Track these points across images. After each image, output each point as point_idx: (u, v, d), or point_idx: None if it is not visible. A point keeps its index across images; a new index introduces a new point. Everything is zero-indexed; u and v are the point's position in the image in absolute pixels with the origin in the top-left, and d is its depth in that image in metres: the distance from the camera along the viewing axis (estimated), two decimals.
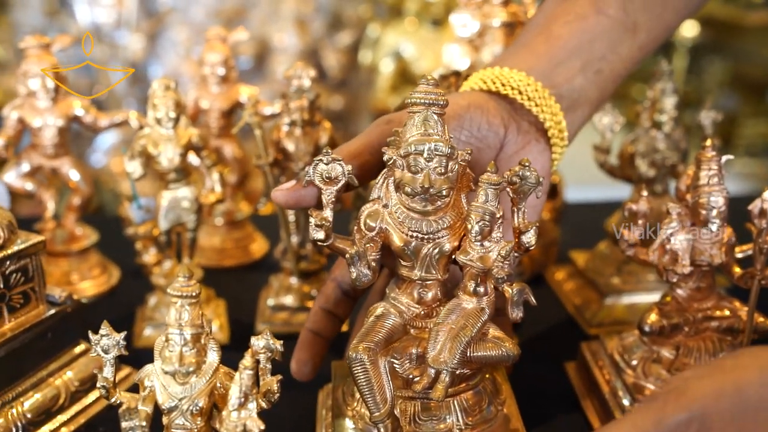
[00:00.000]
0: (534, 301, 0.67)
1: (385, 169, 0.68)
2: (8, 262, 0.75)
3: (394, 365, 0.67)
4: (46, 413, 0.79)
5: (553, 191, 1.18)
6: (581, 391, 0.87)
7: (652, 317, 0.79)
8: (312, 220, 0.65)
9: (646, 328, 0.79)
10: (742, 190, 2.40)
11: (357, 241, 0.67)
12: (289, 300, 1.01)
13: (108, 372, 0.63)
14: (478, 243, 0.64)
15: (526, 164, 0.65)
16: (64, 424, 0.80)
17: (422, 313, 0.68)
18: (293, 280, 1.02)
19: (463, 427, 0.67)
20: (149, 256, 1.01)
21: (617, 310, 1.02)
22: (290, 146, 0.95)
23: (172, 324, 0.61)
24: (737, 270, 0.78)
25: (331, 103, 2.85)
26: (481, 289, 0.66)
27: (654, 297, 0.87)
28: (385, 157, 0.66)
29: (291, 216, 0.99)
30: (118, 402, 0.63)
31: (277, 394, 0.63)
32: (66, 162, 1.07)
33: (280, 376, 0.63)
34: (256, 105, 0.96)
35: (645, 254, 0.79)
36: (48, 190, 1.09)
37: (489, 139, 0.75)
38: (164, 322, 0.63)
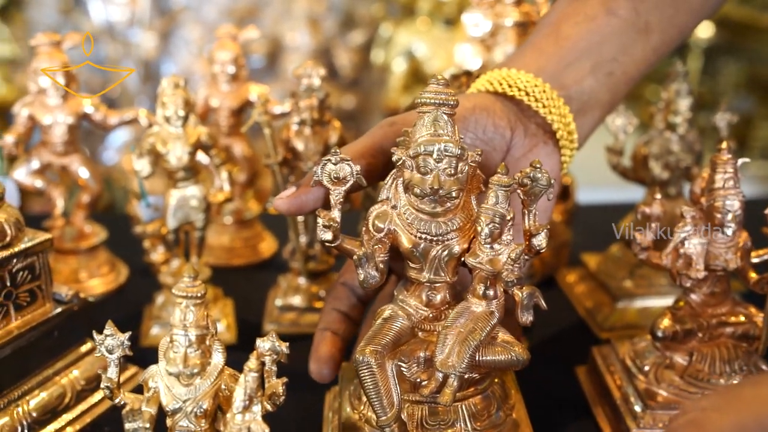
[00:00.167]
0: (544, 305, 0.66)
1: (394, 170, 0.67)
2: (15, 260, 0.75)
3: (402, 368, 0.66)
4: (51, 412, 0.78)
5: (565, 193, 1.17)
6: (592, 397, 0.86)
7: (665, 322, 0.78)
8: (320, 220, 0.64)
9: (659, 333, 0.77)
10: (758, 194, 2.38)
11: (365, 242, 0.66)
12: (297, 300, 1.00)
13: (112, 372, 0.62)
14: (488, 245, 0.63)
15: (538, 166, 0.64)
16: (70, 423, 0.79)
17: (430, 315, 0.67)
18: (301, 281, 1.02)
19: None
20: (157, 254, 1.01)
21: (629, 314, 1.01)
22: (299, 145, 0.95)
23: (177, 325, 0.60)
24: (753, 275, 0.77)
25: (342, 103, 2.84)
26: (491, 293, 0.65)
27: (667, 301, 0.86)
28: (394, 158, 0.65)
29: (300, 216, 0.98)
30: (121, 403, 0.62)
31: (283, 397, 0.62)
32: (75, 159, 1.06)
33: (285, 379, 0.63)
34: (265, 104, 0.96)
35: (658, 258, 0.78)
36: (57, 187, 1.09)
37: (495, 142, 0.74)
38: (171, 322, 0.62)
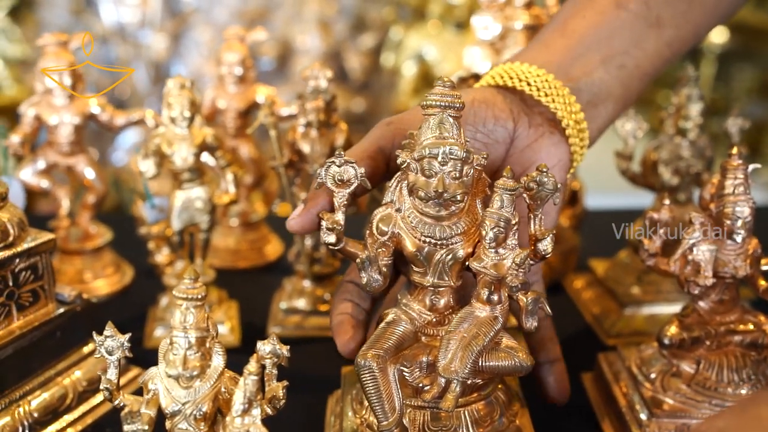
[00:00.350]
0: (549, 310, 0.65)
1: (399, 173, 0.66)
2: (17, 260, 0.75)
3: (404, 373, 0.65)
4: (53, 413, 0.78)
5: (574, 198, 1.16)
6: (597, 404, 0.85)
7: (672, 330, 0.77)
8: (323, 223, 0.64)
9: (666, 341, 0.76)
10: None
11: (369, 245, 0.66)
12: (301, 303, 1.00)
13: (112, 374, 0.62)
14: (493, 250, 0.63)
15: (544, 170, 0.63)
16: (71, 424, 0.79)
17: (434, 320, 0.67)
18: (306, 284, 1.01)
19: None
20: (162, 256, 1.00)
21: (637, 321, 1.00)
22: (306, 147, 0.94)
23: (177, 327, 0.59)
24: (763, 283, 0.76)
25: (352, 106, 2.84)
26: (495, 297, 0.64)
27: (675, 308, 0.85)
28: (399, 161, 0.64)
29: None
30: (121, 404, 0.62)
31: (283, 401, 0.61)
32: (81, 160, 1.06)
33: (286, 382, 0.62)
34: (271, 105, 0.95)
35: (666, 264, 0.77)
36: (63, 187, 1.09)
37: (497, 134, 0.73)
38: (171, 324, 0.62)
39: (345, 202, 0.64)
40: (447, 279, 0.65)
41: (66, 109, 1.03)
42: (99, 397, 0.82)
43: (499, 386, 0.70)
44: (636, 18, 0.79)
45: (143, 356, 0.81)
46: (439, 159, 0.62)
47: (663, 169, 1.01)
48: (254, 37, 1.17)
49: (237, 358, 0.63)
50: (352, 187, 0.64)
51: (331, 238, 0.63)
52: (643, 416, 0.77)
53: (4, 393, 0.75)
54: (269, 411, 0.60)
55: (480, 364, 0.64)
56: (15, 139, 1.02)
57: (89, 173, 1.07)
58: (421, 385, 0.65)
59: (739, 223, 0.73)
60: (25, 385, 0.77)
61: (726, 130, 1.02)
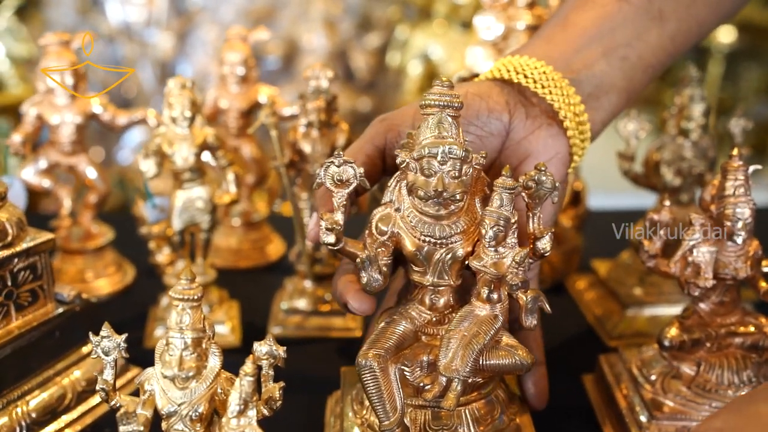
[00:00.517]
0: (549, 308, 0.65)
1: (398, 172, 0.66)
2: (16, 260, 0.75)
3: (405, 372, 0.65)
4: (51, 413, 0.78)
5: (576, 198, 1.15)
6: (598, 406, 0.84)
7: (673, 331, 0.76)
8: (322, 223, 0.63)
9: (666, 343, 0.76)
10: None
11: (368, 245, 0.66)
12: (302, 304, 1.00)
13: (108, 374, 0.62)
14: (492, 248, 0.63)
15: (542, 168, 0.63)
16: (70, 424, 0.79)
17: (434, 319, 0.67)
18: (307, 284, 1.01)
19: None
20: (162, 255, 1.00)
21: (638, 322, 0.99)
22: (307, 147, 0.94)
23: (173, 327, 0.59)
24: (763, 284, 0.75)
25: (358, 105, 2.84)
26: (495, 296, 0.64)
27: (677, 310, 0.84)
28: (398, 160, 0.64)
29: (306, 218, 0.97)
30: (117, 405, 0.62)
31: (280, 402, 0.61)
32: (83, 159, 1.07)
33: (282, 383, 0.62)
34: (272, 105, 0.95)
35: (666, 266, 0.76)
36: (64, 187, 1.09)
37: (491, 126, 0.73)
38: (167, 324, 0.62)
39: (344, 202, 0.64)
40: (447, 278, 0.65)
41: (68, 109, 1.03)
42: (98, 398, 0.82)
43: (500, 385, 0.70)
44: (637, 11, 0.79)
45: (144, 356, 0.80)
46: (439, 158, 0.62)
47: (665, 170, 1.00)
48: (256, 37, 1.17)
49: (237, 358, 0.63)
50: (351, 187, 0.64)
51: (330, 239, 0.63)
52: (643, 418, 0.76)
53: (3, 393, 0.75)
54: (265, 412, 0.60)
55: (480, 362, 0.64)
56: (16, 138, 1.02)
57: (91, 173, 1.07)
58: (422, 384, 0.65)
59: (740, 224, 0.72)
60: (23, 385, 0.77)
61: (729, 131, 1.02)
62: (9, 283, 0.75)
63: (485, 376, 0.67)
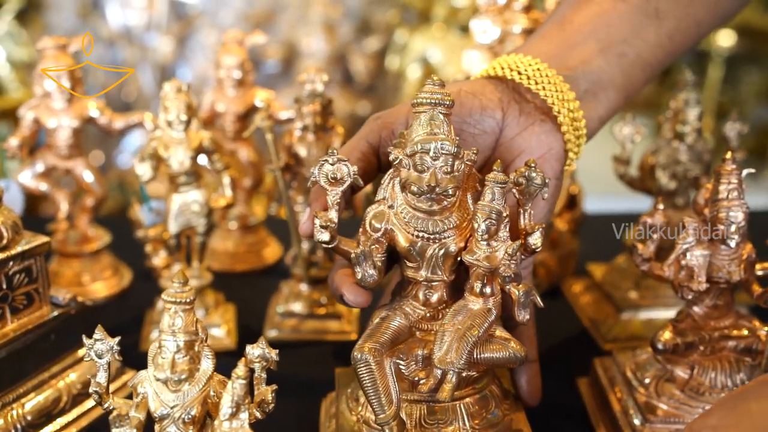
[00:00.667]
0: (540, 302, 0.66)
1: (391, 170, 0.68)
2: (11, 263, 0.75)
3: (400, 366, 0.66)
4: (46, 416, 0.78)
5: (572, 202, 1.15)
6: (592, 409, 0.84)
7: (666, 335, 0.76)
8: (317, 221, 0.64)
9: (659, 346, 0.76)
10: None
11: (362, 242, 0.67)
12: (298, 307, 1.00)
13: (101, 377, 0.62)
14: (485, 242, 0.64)
15: (532, 165, 0.65)
16: (65, 427, 0.79)
17: (428, 315, 0.68)
18: (303, 287, 1.01)
19: (469, 431, 0.67)
20: (159, 259, 1.00)
21: (634, 326, 0.99)
22: (302, 151, 0.94)
23: (165, 330, 0.60)
24: (757, 288, 0.75)
25: (358, 109, 2.84)
26: (488, 290, 0.65)
27: (672, 313, 0.84)
28: (391, 157, 0.65)
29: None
30: (110, 408, 0.62)
31: (272, 405, 0.62)
32: (80, 163, 1.07)
33: (275, 386, 0.62)
34: (268, 109, 0.95)
35: (660, 269, 0.76)
36: (61, 190, 1.09)
37: (485, 124, 0.73)
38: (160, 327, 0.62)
39: (338, 200, 0.65)
40: (440, 273, 0.66)
41: (64, 113, 1.03)
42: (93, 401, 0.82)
43: (494, 380, 0.71)
44: (634, 9, 0.79)
45: (140, 359, 0.80)
46: (431, 154, 0.63)
47: (660, 174, 1.01)
48: (253, 41, 1.17)
49: (233, 361, 0.63)
50: (345, 185, 0.65)
51: (325, 236, 0.64)
52: (637, 421, 0.76)
53: None
54: (258, 415, 0.60)
55: (475, 355, 0.65)
56: (13, 142, 1.02)
57: (87, 176, 1.07)
58: (417, 378, 0.66)
59: (733, 228, 0.73)
60: (18, 388, 0.77)
61: (725, 135, 1.02)
62: (4, 286, 0.75)
63: (479, 370, 0.68)
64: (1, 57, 2.64)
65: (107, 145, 2.67)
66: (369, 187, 0.96)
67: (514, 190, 0.65)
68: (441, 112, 0.65)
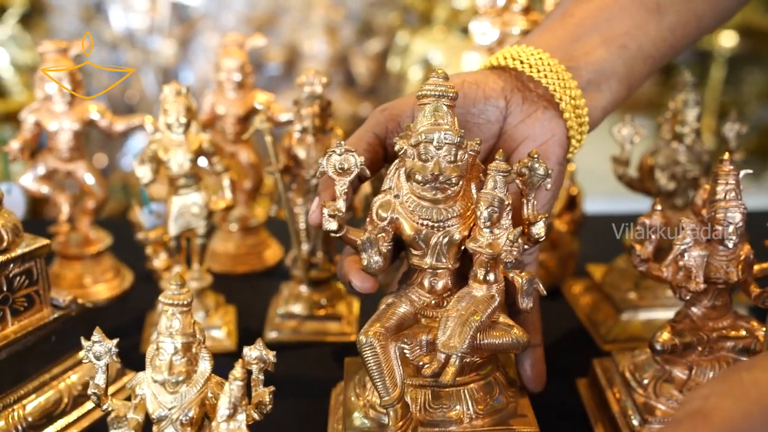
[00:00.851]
0: (543, 290, 0.68)
1: (396, 160, 0.69)
2: (12, 265, 0.76)
3: (405, 351, 0.67)
4: (47, 417, 0.79)
5: (572, 203, 1.15)
6: (592, 410, 0.84)
7: (664, 336, 0.76)
8: (325, 210, 0.66)
9: (658, 347, 0.76)
10: None
11: (369, 232, 0.68)
12: (298, 308, 1.00)
13: (100, 379, 0.62)
14: (488, 229, 0.65)
15: (535, 156, 0.66)
16: (66, 428, 0.80)
17: (433, 302, 0.69)
18: (303, 289, 1.01)
19: (473, 416, 0.68)
20: (159, 261, 1.01)
21: (633, 326, 0.99)
22: (301, 153, 0.95)
23: (163, 332, 0.60)
24: (755, 288, 0.75)
25: (360, 110, 2.84)
26: (491, 277, 0.67)
27: (672, 314, 0.84)
28: (396, 147, 0.67)
29: (301, 224, 0.98)
30: (109, 409, 0.62)
31: (270, 406, 0.62)
32: (81, 165, 1.07)
33: (272, 388, 0.62)
34: (267, 111, 0.96)
35: (658, 270, 0.76)
36: (63, 193, 1.10)
37: (489, 113, 0.75)
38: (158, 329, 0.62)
39: (345, 190, 0.67)
40: (444, 261, 0.68)
41: (65, 116, 1.03)
42: None
43: (499, 370, 0.72)
44: (635, 3, 0.80)
45: (141, 361, 0.81)
46: (435, 144, 0.65)
47: (659, 174, 1.01)
48: (253, 44, 1.17)
49: (233, 362, 0.63)
50: (353, 175, 0.67)
51: (333, 225, 0.65)
52: (635, 422, 0.76)
53: None
54: (255, 416, 0.61)
55: (477, 341, 0.65)
56: (14, 145, 1.02)
57: (89, 179, 1.08)
58: (421, 363, 0.67)
59: (731, 228, 0.73)
60: (19, 389, 0.77)
61: (723, 135, 1.02)
62: (5, 289, 0.76)
63: (483, 355, 0.69)
64: (4, 60, 2.65)
65: (111, 147, 2.68)
66: (369, 189, 0.97)
67: (517, 181, 0.67)
68: (445, 104, 0.66)
